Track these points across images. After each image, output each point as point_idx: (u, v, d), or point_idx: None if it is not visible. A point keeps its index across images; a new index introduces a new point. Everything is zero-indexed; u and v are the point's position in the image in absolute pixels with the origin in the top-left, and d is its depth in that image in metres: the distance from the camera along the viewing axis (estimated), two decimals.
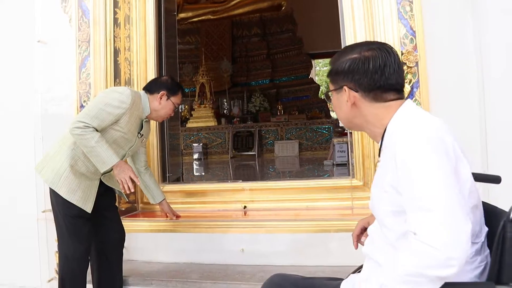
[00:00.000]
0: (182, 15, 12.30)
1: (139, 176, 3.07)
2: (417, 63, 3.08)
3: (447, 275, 1.18)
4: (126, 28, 3.86)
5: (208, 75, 11.55)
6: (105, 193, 2.89)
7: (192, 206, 3.82)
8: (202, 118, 11.31)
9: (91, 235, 2.83)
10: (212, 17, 12.70)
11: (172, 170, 4.23)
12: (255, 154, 10.42)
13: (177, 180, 4.48)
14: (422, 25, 3.07)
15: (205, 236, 3.35)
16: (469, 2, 3.02)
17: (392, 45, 3.02)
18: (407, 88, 3.09)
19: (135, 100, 2.76)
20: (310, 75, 12.44)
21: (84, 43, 3.64)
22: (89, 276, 2.90)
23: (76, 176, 2.70)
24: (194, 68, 12.08)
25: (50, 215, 2.85)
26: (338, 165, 7.27)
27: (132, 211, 3.81)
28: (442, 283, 1.21)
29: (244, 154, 10.56)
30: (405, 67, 3.09)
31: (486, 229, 1.44)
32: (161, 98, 2.92)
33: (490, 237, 1.42)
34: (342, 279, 1.63)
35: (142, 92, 2.95)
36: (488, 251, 1.42)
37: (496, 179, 1.71)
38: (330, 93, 1.61)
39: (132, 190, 2.69)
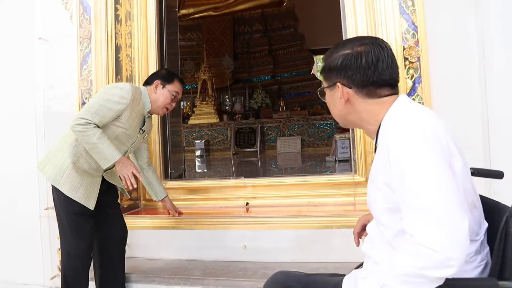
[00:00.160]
0: (183, 11, 12.28)
1: (141, 172, 3.07)
2: (419, 58, 3.07)
3: (447, 275, 1.17)
4: (128, 24, 3.85)
5: (210, 71, 11.54)
6: (107, 190, 2.89)
7: (194, 203, 3.81)
8: (204, 115, 11.31)
9: (93, 232, 2.84)
10: (213, 14, 12.68)
11: (174, 167, 4.23)
12: (257, 151, 10.41)
13: (179, 177, 4.48)
14: (424, 20, 3.06)
15: (207, 232, 3.35)
16: None
17: (394, 40, 3.07)
18: (409, 84, 3.08)
19: (135, 96, 2.76)
20: (312, 71, 12.41)
21: (86, 40, 3.64)
22: (91, 273, 2.91)
23: (79, 173, 2.70)
24: (195, 65, 12.07)
25: (53, 213, 2.85)
26: (340, 161, 7.26)
27: (134, 208, 3.81)
28: (442, 282, 1.20)
29: (246, 151, 10.55)
30: (407, 62, 3.09)
31: (486, 225, 1.43)
32: (156, 88, 2.90)
33: (492, 232, 1.40)
34: (344, 275, 1.63)
35: (143, 88, 2.94)
36: (488, 248, 1.41)
37: (498, 174, 1.70)
38: (324, 90, 1.59)
39: (135, 186, 2.68)
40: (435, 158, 1.24)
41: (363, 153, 3.41)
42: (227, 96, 12.10)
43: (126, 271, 3.05)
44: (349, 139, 4.01)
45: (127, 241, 3.04)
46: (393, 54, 1.47)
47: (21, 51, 3.82)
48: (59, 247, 2.86)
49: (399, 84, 3.01)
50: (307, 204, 3.56)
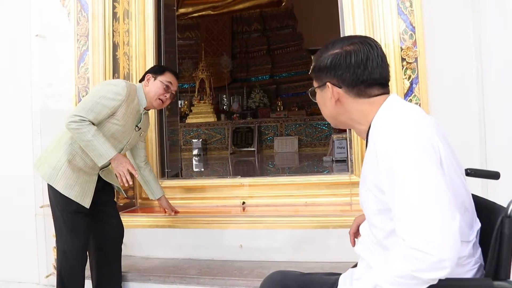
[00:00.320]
0: (182, 10, 12.29)
1: (138, 171, 3.07)
2: (416, 59, 3.07)
3: (440, 277, 1.17)
4: (125, 22, 3.84)
5: (208, 70, 11.56)
6: (103, 189, 2.88)
7: (191, 202, 3.80)
8: (201, 114, 11.32)
9: (89, 231, 2.83)
10: (212, 13, 12.69)
11: (171, 166, 4.22)
12: (254, 150, 10.42)
13: (176, 175, 4.47)
14: (421, 21, 3.05)
15: (203, 232, 3.35)
16: None
17: (391, 41, 3.07)
18: (406, 84, 3.08)
19: (130, 92, 2.75)
20: (310, 71, 12.40)
21: (83, 38, 3.63)
22: (87, 272, 2.90)
23: (74, 171, 2.69)
24: (194, 64, 12.08)
25: (48, 210, 2.84)
26: (337, 161, 7.28)
27: (130, 207, 3.80)
28: (436, 282, 1.19)
29: (243, 150, 10.57)
30: (404, 63, 3.09)
31: (478, 226, 1.42)
32: (148, 81, 2.90)
33: (487, 233, 1.40)
34: (340, 274, 1.63)
35: (139, 85, 2.94)
36: (480, 250, 1.40)
37: (495, 175, 1.70)
38: (314, 91, 1.57)
39: (131, 183, 2.67)
40: (423, 158, 1.23)
41: (360, 153, 3.41)
42: (225, 96, 12.12)
43: (122, 270, 3.05)
44: (346, 139, 4.01)
45: (123, 240, 3.03)
46: (383, 53, 1.46)
47: (18, 48, 3.80)
48: (55, 245, 2.85)
49: (396, 85, 3.03)
50: (304, 203, 3.56)
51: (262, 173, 7.46)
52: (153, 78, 2.90)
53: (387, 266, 1.25)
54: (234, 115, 11.46)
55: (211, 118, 11.26)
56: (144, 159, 3.18)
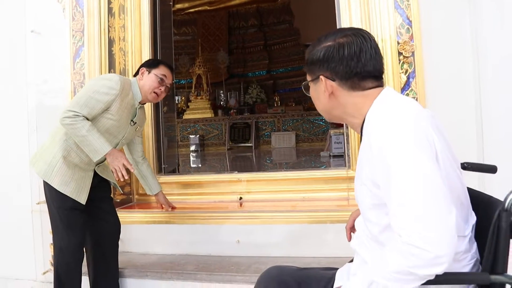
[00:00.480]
0: (178, 6, 12.25)
1: (136, 166, 3.05)
2: (413, 53, 3.06)
3: (437, 273, 1.16)
4: (121, 18, 3.81)
5: (205, 66, 11.54)
6: (99, 185, 2.87)
7: (188, 198, 3.80)
8: (198, 110, 11.30)
9: (86, 227, 2.82)
10: (208, 8, 12.65)
11: (168, 162, 4.21)
12: (252, 146, 10.42)
13: (173, 171, 4.47)
14: (418, 15, 3.04)
15: (200, 227, 3.34)
16: None
17: (388, 35, 3.06)
18: (403, 78, 3.08)
19: (124, 86, 2.73)
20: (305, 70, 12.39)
21: (78, 33, 3.60)
22: (84, 268, 2.89)
23: (70, 168, 2.68)
24: (190, 60, 12.06)
25: (45, 207, 2.83)
26: (334, 156, 7.28)
27: (127, 203, 3.79)
28: (432, 277, 1.18)
29: (241, 146, 10.56)
30: (401, 57, 3.08)
31: (473, 220, 1.41)
32: (142, 74, 2.88)
33: (483, 227, 1.39)
34: (337, 269, 1.62)
35: (133, 79, 2.92)
36: (475, 244, 1.39)
37: (492, 169, 1.70)
38: (308, 84, 1.55)
39: (126, 177, 2.66)
40: (419, 152, 1.22)
41: (357, 148, 3.40)
42: (222, 91, 12.11)
43: (119, 266, 3.03)
44: (344, 134, 4.01)
45: (120, 236, 3.02)
46: (376, 45, 1.44)
47: (13, 44, 3.78)
48: (52, 242, 2.84)
49: (393, 79, 3.02)
50: (301, 198, 3.55)
51: (260, 168, 7.46)
52: (147, 72, 2.88)
53: (383, 261, 1.24)
54: (231, 111, 11.45)
55: (208, 114, 11.25)
56: (142, 154, 3.16)
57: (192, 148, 10.54)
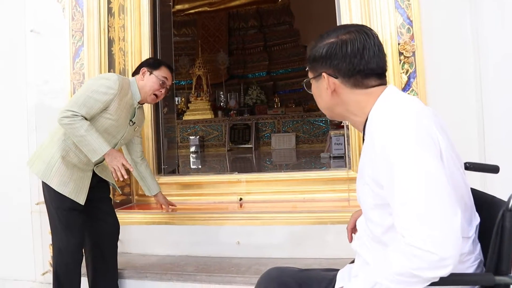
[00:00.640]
0: (178, 6, 12.24)
1: (134, 167, 3.04)
2: (414, 53, 3.05)
3: (442, 275, 1.14)
4: (121, 17, 3.80)
5: (205, 67, 11.52)
6: (98, 185, 2.85)
7: (188, 198, 3.79)
8: (198, 111, 11.29)
9: (85, 228, 2.80)
10: (208, 9, 12.65)
11: (168, 163, 4.20)
12: (252, 147, 10.41)
13: (173, 172, 4.45)
14: (419, 14, 3.03)
15: (200, 228, 3.32)
16: None
17: (389, 35, 3.05)
18: (404, 79, 3.06)
19: (123, 86, 2.71)
20: (307, 68, 12.38)
21: (78, 33, 3.59)
22: (83, 269, 2.88)
23: (68, 168, 2.66)
24: (190, 61, 12.05)
25: (44, 207, 2.81)
26: (335, 157, 7.26)
27: (127, 203, 3.78)
28: (437, 279, 1.16)
29: (241, 147, 10.55)
30: (402, 57, 3.07)
31: (477, 221, 1.39)
32: (143, 75, 2.86)
33: (486, 227, 1.37)
34: (338, 270, 1.61)
35: (132, 79, 2.91)
36: (479, 245, 1.37)
37: (494, 169, 1.68)
38: (309, 82, 1.53)
39: (126, 177, 2.64)
40: (423, 151, 1.19)
41: (357, 149, 3.39)
42: (222, 92, 12.10)
43: (118, 267, 3.02)
44: (344, 136, 4.00)
45: (120, 237, 3.01)
46: (380, 42, 1.42)
47: (12, 44, 3.77)
48: (51, 243, 2.83)
49: (394, 79, 3.01)
50: (302, 199, 3.54)
51: (260, 169, 7.44)
52: (148, 73, 2.87)
53: (386, 262, 1.21)
54: (231, 112, 11.44)
55: (208, 115, 11.23)
56: (141, 154, 3.15)
57: (192, 149, 10.52)
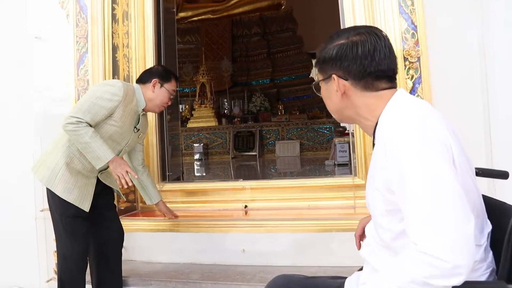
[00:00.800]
0: (181, 14, 12.27)
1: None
2: (419, 58, 3.04)
3: (455, 284, 1.10)
4: (125, 24, 3.81)
5: (209, 74, 11.52)
6: (102, 192, 2.84)
7: (192, 206, 3.78)
8: (202, 118, 11.27)
9: (89, 235, 2.79)
10: (212, 17, 12.66)
11: (172, 170, 4.20)
12: (256, 154, 10.37)
13: (177, 179, 4.44)
14: (423, 19, 3.02)
15: (205, 235, 3.31)
16: None
17: (393, 40, 3.04)
18: (409, 84, 3.05)
19: (127, 93, 2.71)
20: (311, 75, 12.37)
21: (82, 40, 3.60)
22: (88, 277, 2.86)
23: (72, 175, 2.65)
24: (194, 68, 12.05)
25: (49, 214, 2.81)
26: (339, 165, 7.23)
27: (131, 211, 3.77)
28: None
29: (245, 154, 10.51)
30: (406, 63, 3.06)
31: (489, 229, 1.36)
32: (154, 87, 2.87)
33: (497, 234, 1.34)
34: (345, 278, 1.58)
35: (136, 85, 2.90)
36: (491, 253, 1.34)
37: (503, 175, 1.66)
38: (319, 84, 1.51)
39: (130, 184, 2.63)
40: (435, 157, 1.17)
41: (363, 155, 3.37)
42: (225, 100, 12.09)
43: (123, 274, 3.01)
44: (349, 143, 3.97)
45: (124, 244, 2.99)
46: (390, 44, 1.40)
47: (17, 51, 3.78)
48: (55, 250, 2.81)
49: (399, 85, 2.99)
50: (307, 207, 3.52)
51: (264, 177, 7.41)
52: (159, 85, 2.88)
53: (397, 269, 1.18)
54: (235, 119, 11.42)
55: (212, 123, 11.21)
56: (142, 162, 3.13)
57: (196, 156, 10.49)
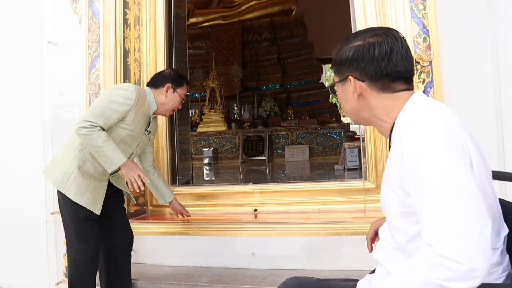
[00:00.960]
0: (192, 20, 12.33)
1: (147, 176, 3.03)
2: (430, 62, 3.03)
3: (471, 287, 1.08)
4: (136, 29, 3.84)
5: (219, 79, 11.55)
6: (113, 195, 2.85)
7: (202, 209, 3.78)
8: (212, 123, 11.29)
9: (99, 238, 2.80)
10: (222, 22, 12.71)
11: (182, 174, 4.20)
12: (265, 159, 10.36)
13: (187, 183, 4.45)
14: (435, 24, 3.02)
15: (215, 239, 3.31)
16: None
17: None
18: (420, 88, 3.04)
19: (140, 96, 2.73)
20: (321, 80, 12.38)
21: (94, 44, 3.63)
22: (97, 279, 2.87)
23: (84, 178, 2.67)
24: (204, 73, 12.09)
25: (59, 217, 2.82)
26: (349, 169, 7.21)
27: (141, 214, 3.78)
28: None
29: (254, 159, 10.50)
30: (418, 67, 3.05)
31: (505, 232, 1.34)
32: (167, 92, 2.88)
33: None
34: (357, 280, 1.57)
35: (147, 88, 2.92)
36: (507, 257, 1.32)
37: None
38: (335, 86, 1.51)
39: (142, 188, 2.64)
40: (454, 160, 1.16)
41: (373, 159, 3.36)
42: (235, 104, 12.10)
43: (132, 278, 3.01)
44: (359, 147, 3.96)
45: (134, 247, 3.00)
46: (407, 45, 1.39)
47: (29, 55, 3.82)
48: (65, 252, 2.82)
49: None
50: (317, 210, 3.52)
51: (274, 181, 7.40)
52: (172, 90, 2.90)
53: (411, 272, 1.17)
54: (245, 124, 11.42)
55: (222, 127, 11.23)
56: (152, 163, 3.15)
57: (206, 161, 10.51)
